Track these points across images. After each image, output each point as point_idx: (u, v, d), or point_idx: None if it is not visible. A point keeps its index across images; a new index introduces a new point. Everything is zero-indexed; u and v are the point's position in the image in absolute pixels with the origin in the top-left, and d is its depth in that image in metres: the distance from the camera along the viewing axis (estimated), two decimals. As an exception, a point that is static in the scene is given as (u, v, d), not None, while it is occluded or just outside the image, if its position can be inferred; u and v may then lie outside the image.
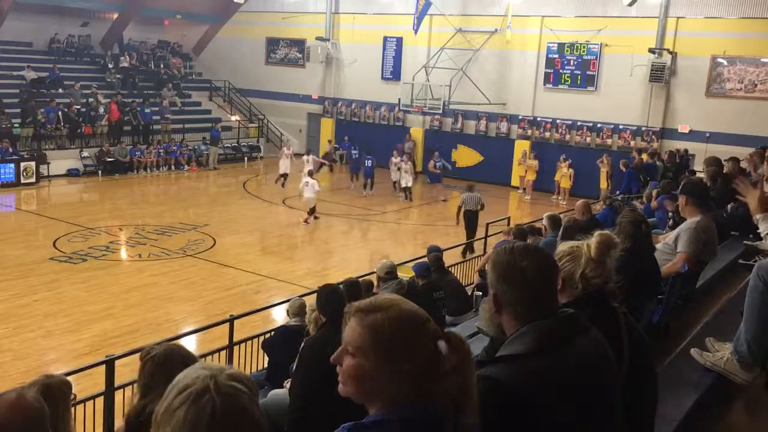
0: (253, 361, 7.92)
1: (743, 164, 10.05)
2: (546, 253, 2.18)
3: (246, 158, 28.05)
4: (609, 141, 23.25)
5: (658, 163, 18.08)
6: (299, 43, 29.59)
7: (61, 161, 22.85)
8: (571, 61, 23.61)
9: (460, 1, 25.23)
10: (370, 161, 22.03)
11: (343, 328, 1.65)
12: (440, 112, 24.73)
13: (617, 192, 17.53)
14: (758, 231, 4.08)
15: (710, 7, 21.40)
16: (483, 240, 13.86)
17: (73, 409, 3.57)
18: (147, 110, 25.84)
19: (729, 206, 7.69)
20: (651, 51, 21.74)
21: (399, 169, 21.75)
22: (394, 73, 27.12)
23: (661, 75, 21.63)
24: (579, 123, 23.69)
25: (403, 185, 21.43)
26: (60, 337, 10.28)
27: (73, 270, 13.40)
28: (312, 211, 18.02)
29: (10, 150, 21.40)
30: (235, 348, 8.01)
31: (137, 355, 3.34)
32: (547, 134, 24.32)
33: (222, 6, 30.26)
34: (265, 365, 7.44)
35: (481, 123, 25.55)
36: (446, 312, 8.28)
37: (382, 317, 1.59)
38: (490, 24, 24.39)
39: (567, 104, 23.69)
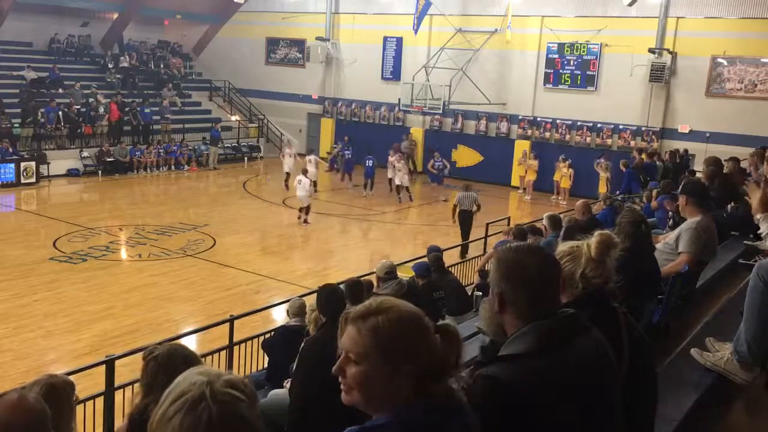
0: (253, 361, 7.91)
1: (743, 164, 10.05)
2: (550, 253, 2.19)
3: (246, 158, 28.06)
4: (609, 141, 23.25)
5: (658, 163, 18.09)
6: (299, 43, 29.60)
7: (61, 161, 22.85)
8: (571, 61, 23.61)
9: (460, 1, 25.24)
10: (371, 161, 21.98)
11: (339, 338, 1.65)
12: (440, 112, 24.73)
13: (617, 192, 17.54)
14: (759, 232, 4.09)
15: (710, 7, 21.40)
16: (483, 240, 13.85)
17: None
18: (147, 110, 25.83)
19: (729, 206, 7.69)
20: (651, 51, 21.74)
21: (393, 167, 21.64)
22: (394, 73, 27.12)
23: (661, 75, 21.63)
24: (579, 123, 23.70)
25: (397, 183, 21.29)
26: (60, 337, 10.29)
27: (73, 270, 13.40)
28: (307, 211, 17.87)
29: (10, 150, 21.40)
30: (235, 348, 8.00)
31: (137, 355, 3.34)
32: (547, 134, 24.32)
33: (222, 6, 30.26)
34: (265, 365, 7.44)
35: (481, 123, 25.55)
36: (446, 312, 8.27)
37: (382, 320, 1.59)
38: (490, 24, 24.39)
39: (567, 104, 23.69)
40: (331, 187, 23.14)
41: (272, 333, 7.59)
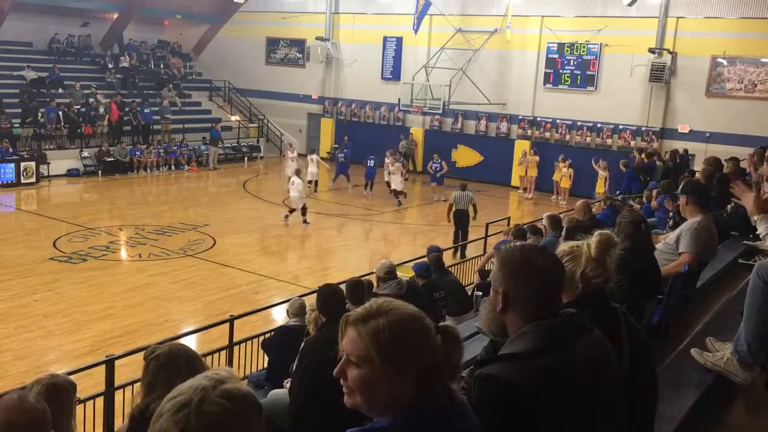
0: (253, 361, 7.91)
1: (743, 164, 10.05)
2: (554, 253, 2.19)
3: (246, 158, 28.05)
4: (609, 141, 23.25)
5: (658, 163, 18.11)
6: (299, 43, 29.60)
7: (61, 161, 22.84)
8: (571, 61, 23.61)
9: (460, 1, 25.24)
10: (372, 161, 21.94)
11: (340, 340, 1.65)
12: (440, 112, 24.75)
13: (617, 192, 17.55)
14: (758, 232, 4.08)
15: (710, 7, 21.40)
16: (483, 240, 13.85)
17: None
18: (147, 110, 25.83)
19: (729, 206, 7.68)
20: (651, 51, 21.74)
21: (388, 170, 21.45)
22: (394, 73, 27.12)
23: (661, 75, 21.63)
24: (579, 123, 23.70)
25: (392, 187, 21.10)
26: (60, 337, 10.28)
27: (73, 270, 13.40)
28: (303, 211, 17.75)
29: (10, 150, 21.40)
30: (235, 348, 8.01)
31: (137, 355, 3.35)
32: (547, 134, 24.32)
33: (222, 6, 30.27)
34: (265, 365, 7.44)
35: (481, 123, 25.55)
36: (446, 312, 8.27)
37: (382, 323, 1.59)
38: (490, 24, 24.39)
39: (567, 104, 23.69)
40: (332, 188, 23.13)
41: (272, 333, 7.60)
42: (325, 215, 19.33)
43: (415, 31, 24.67)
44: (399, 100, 25.12)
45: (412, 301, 1.76)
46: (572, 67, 23.61)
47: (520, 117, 24.68)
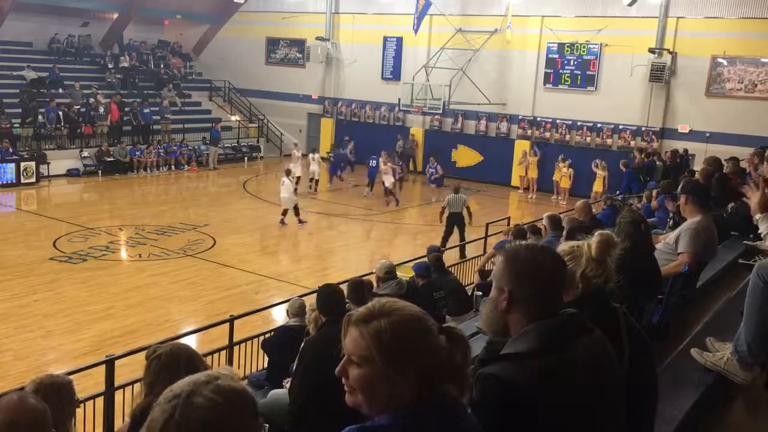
0: (253, 361, 7.91)
1: (743, 164, 10.05)
2: (558, 253, 2.19)
3: (246, 158, 28.05)
4: (609, 141, 23.25)
5: (658, 163, 18.11)
6: (299, 43, 29.60)
7: (61, 161, 22.84)
8: (571, 61, 23.61)
9: (460, 1, 25.24)
10: (374, 161, 21.88)
11: (343, 339, 1.65)
12: (440, 112, 24.74)
13: (617, 192, 17.56)
14: (759, 232, 4.09)
15: (710, 7, 21.40)
16: (483, 240, 13.86)
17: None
18: (147, 110, 25.83)
19: (729, 206, 7.69)
20: (651, 51, 21.74)
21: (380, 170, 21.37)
22: (394, 73, 27.12)
23: (661, 75, 21.63)
24: (579, 123, 23.69)
25: (386, 185, 20.98)
26: (60, 337, 10.29)
27: (73, 270, 13.40)
28: (296, 211, 17.69)
29: (10, 150, 21.40)
30: (235, 348, 8.01)
31: (137, 355, 3.35)
32: (547, 134, 24.32)
33: (222, 6, 30.27)
34: (265, 365, 7.44)
35: (481, 123, 25.55)
36: (446, 312, 8.28)
37: (384, 323, 1.59)
38: (490, 24, 24.39)
39: (567, 104, 23.69)
40: (332, 187, 23.13)
41: (272, 333, 7.60)
42: (325, 215, 19.33)
43: (415, 31, 24.67)
44: (399, 100, 25.11)
45: (411, 302, 1.76)
46: (572, 67, 23.61)
47: (520, 117, 24.68)
